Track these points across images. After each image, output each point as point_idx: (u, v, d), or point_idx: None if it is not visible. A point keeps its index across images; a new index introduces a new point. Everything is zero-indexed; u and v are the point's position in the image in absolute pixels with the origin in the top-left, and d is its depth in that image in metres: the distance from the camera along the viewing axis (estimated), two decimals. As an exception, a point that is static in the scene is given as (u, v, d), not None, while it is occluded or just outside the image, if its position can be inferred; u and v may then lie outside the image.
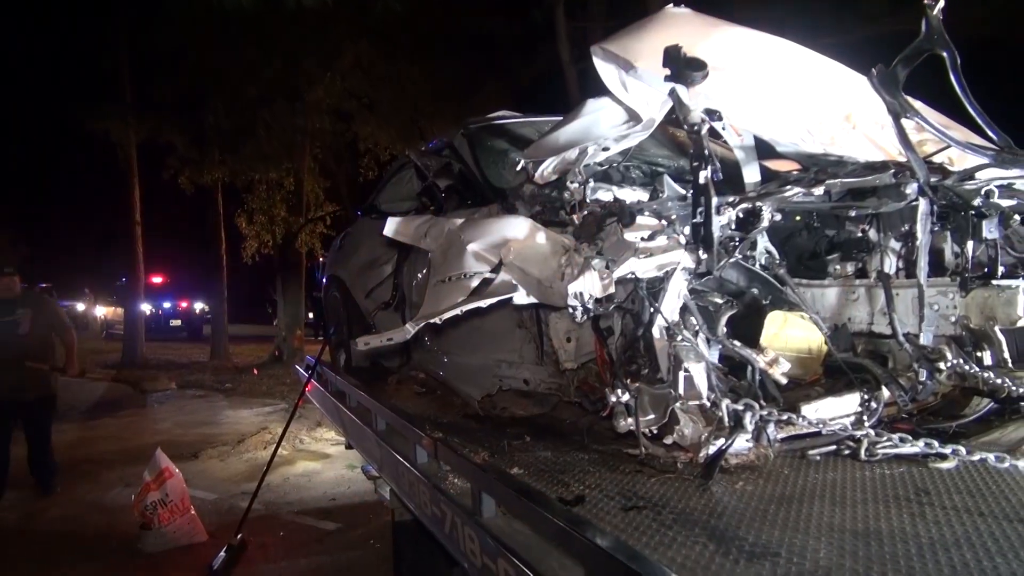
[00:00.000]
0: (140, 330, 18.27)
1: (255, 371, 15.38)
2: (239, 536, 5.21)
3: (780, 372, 2.30)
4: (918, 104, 2.41)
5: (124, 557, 5.34)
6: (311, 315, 19.39)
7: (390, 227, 3.15)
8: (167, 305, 28.02)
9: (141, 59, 15.61)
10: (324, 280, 5.70)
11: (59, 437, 9.19)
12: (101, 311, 29.34)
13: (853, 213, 2.59)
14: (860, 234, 2.75)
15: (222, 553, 4.94)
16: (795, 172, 2.81)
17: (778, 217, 2.56)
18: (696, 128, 2.14)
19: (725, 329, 2.41)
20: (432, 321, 2.46)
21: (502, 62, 14.43)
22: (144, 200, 17.13)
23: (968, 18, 8.45)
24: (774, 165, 3.18)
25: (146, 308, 21.91)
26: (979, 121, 2.18)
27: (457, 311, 2.32)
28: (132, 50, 15.91)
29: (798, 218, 2.90)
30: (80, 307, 29.74)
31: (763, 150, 2.88)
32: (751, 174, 2.88)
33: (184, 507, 5.54)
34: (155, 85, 14.78)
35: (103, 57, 16.15)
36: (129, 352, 17.49)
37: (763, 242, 2.61)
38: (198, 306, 27.81)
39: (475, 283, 2.42)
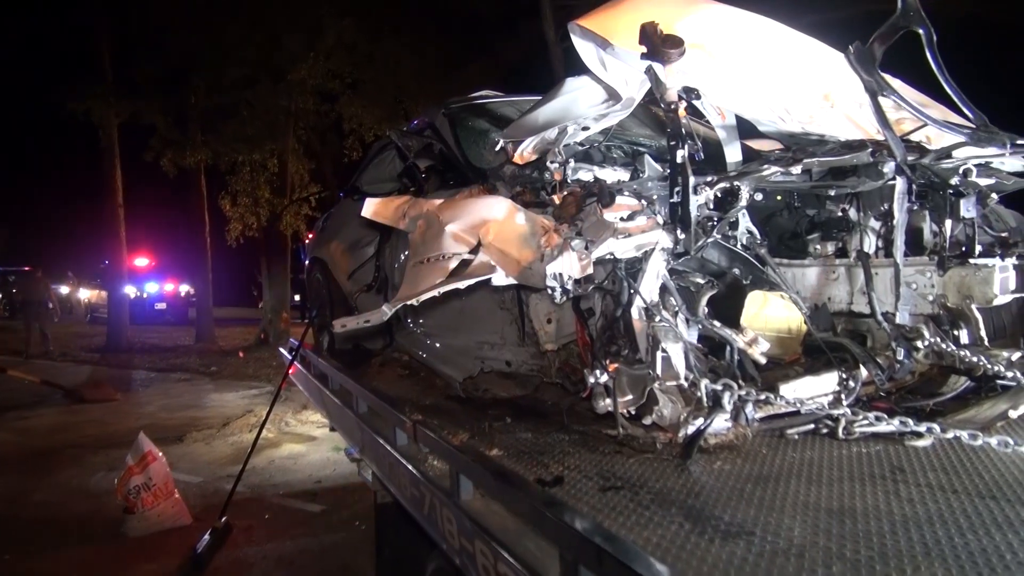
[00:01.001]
0: (124, 314, 18.10)
1: (241, 354, 15.30)
2: (224, 519, 5.19)
3: (760, 352, 2.30)
4: (896, 82, 2.40)
5: (108, 541, 5.30)
6: (296, 297, 19.28)
7: (368, 208, 3.12)
8: (152, 288, 27.77)
9: (122, 38, 15.36)
10: (307, 262, 5.65)
11: (42, 421, 9.18)
12: (85, 294, 29.06)
13: (833, 192, 2.59)
14: (840, 214, 2.76)
15: (206, 536, 4.92)
16: (776, 152, 2.80)
17: (759, 197, 2.57)
18: (673, 106, 2.12)
19: (706, 309, 2.41)
20: (411, 303, 2.44)
21: (487, 41, 14.32)
22: (127, 182, 16.91)
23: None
24: (756, 145, 3.17)
25: (130, 291, 21.73)
26: (955, 99, 2.17)
27: (435, 292, 2.30)
28: (113, 29, 15.63)
29: (779, 198, 2.89)
30: (64, 290, 29.46)
31: (746, 130, 2.87)
32: (733, 153, 2.87)
33: (168, 491, 5.52)
34: (136, 65, 14.55)
35: (84, 36, 15.85)
36: (114, 336, 17.32)
37: (744, 222, 2.61)
38: (183, 289, 27.56)
39: (453, 264, 2.40)
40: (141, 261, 27.35)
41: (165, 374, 13.38)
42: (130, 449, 5.65)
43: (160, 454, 5.60)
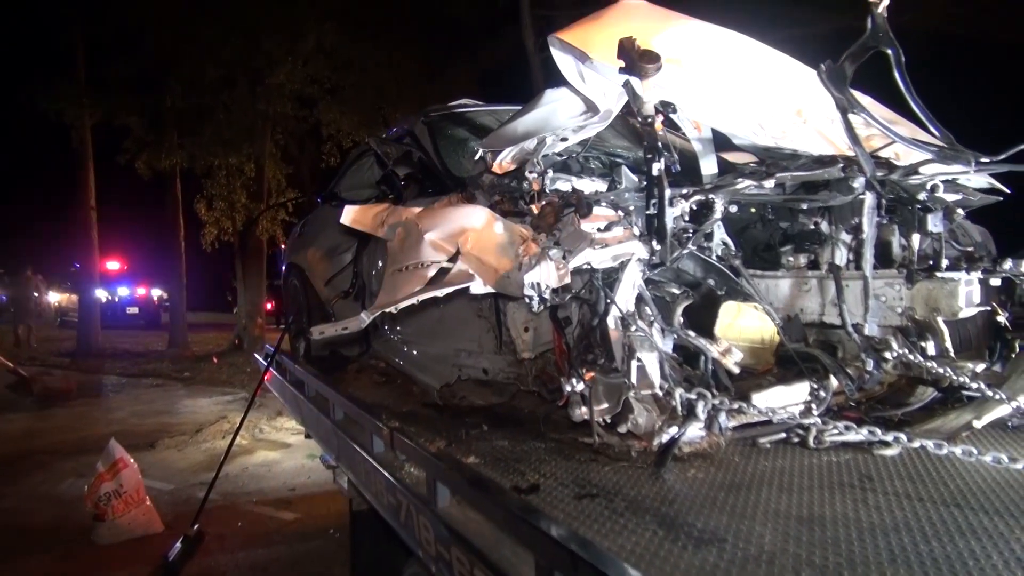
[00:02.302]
0: (95, 318, 17.84)
1: (215, 359, 15.14)
2: (196, 527, 5.13)
3: (733, 362, 2.34)
4: (867, 99, 2.46)
5: (77, 549, 5.23)
6: (269, 306, 19.13)
7: (347, 215, 3.12)
8: (124, 292, 27.38)
9: (96, 37, 15.16)
10: (283, 268, 5.63)
11: (10, 427, 9.02)
12: (55, 298, 28.58)
13: (805, 206, 2.64)
14: (812, 227, 2.81)
15: (178, 544, 4.86)
16: (751, 165, 2.85)
17: (733, 209, 2.61)
18: (650, 120, 2.16)
19: (681, 319, 2.45)
20: (388, 310, 2.45)
21: (468, 48, 14.37)
22: (99, 184, 16.69)
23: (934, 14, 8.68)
24: (732, 158, 3.23)
25: (102, 295, 21.42)
26: (922, 118, 2.23)
27: (413, 300, 2.31)
28: (87, 28, 15.43)
29: (753, 210, 2.94)
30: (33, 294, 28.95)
31: (724, 143, 2.91)
32: (708, 166, 2.91)
33: (139, 498, 5.45)
34: (110, 65, 14.36)
35: (56, 35, 15.64)
36: (84, 341, 17.05)
37: (720, 233, 2.65)
38: (156, 293, 27.24)
39: (432, 272, 2.41)
40: (113, 264, 26.99)
41: (137, 379, 13.22)
42: (100, 455, 5.58)
43: (131, 461, 5.54)
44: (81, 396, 11.37)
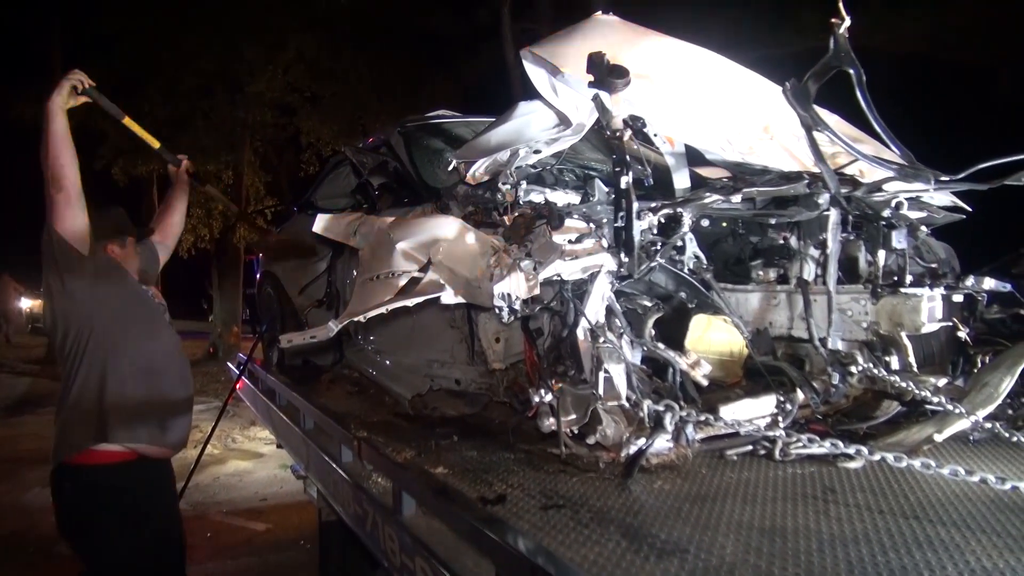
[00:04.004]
0: (67, 324, 17.55)
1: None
2: (164, 538, 5.05)
3: (701, 374, 2.36)
4: (833, 118, 2.51)
5: (43, 559, 5.13)
6: (247, 312, 18.99)
7: (319, 224, 3.11)
8: (98, 299, 26.96)
9: (74, 41, 15.01)
10: (258, 276, 5.58)
11: (-24, 435, 8.84)
12: (26, 304, 28.09)
13: (774, 221, 2.68)
14: (782, 241, 2.84)
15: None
16: (723, 180, 2.88)
17: (705, 223, 2.64)
18: (618, 133, 2.18)
19: (652, 331, 2.46)
20: (360, 319, 2.44)
21: (448, 60, 14.40)
22: (74, 190, 16.47)
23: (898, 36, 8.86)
24: (707, 173, 3.26)
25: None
26: (883, 136, 2.28)
27: (383, 310, 2.31)
28: (65, 32, 15.28)
29: (724, 224, 2.98)
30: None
31: (699, 158, 2.95)
32: (681, 180, 2.94)
33: (107, 508, 5.36)
34: (88, 71, 14.19)
35: (34, 38, 15.46)
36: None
37: (692, 247, 2.67)
38: (131, 300, 26.85)
39: (403, 282, 2.41)
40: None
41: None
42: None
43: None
44: (51, 404, 11.16)
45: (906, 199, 2.49)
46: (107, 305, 2.63)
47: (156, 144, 3.16)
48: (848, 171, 2.58)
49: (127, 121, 3.03)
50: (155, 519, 2.73)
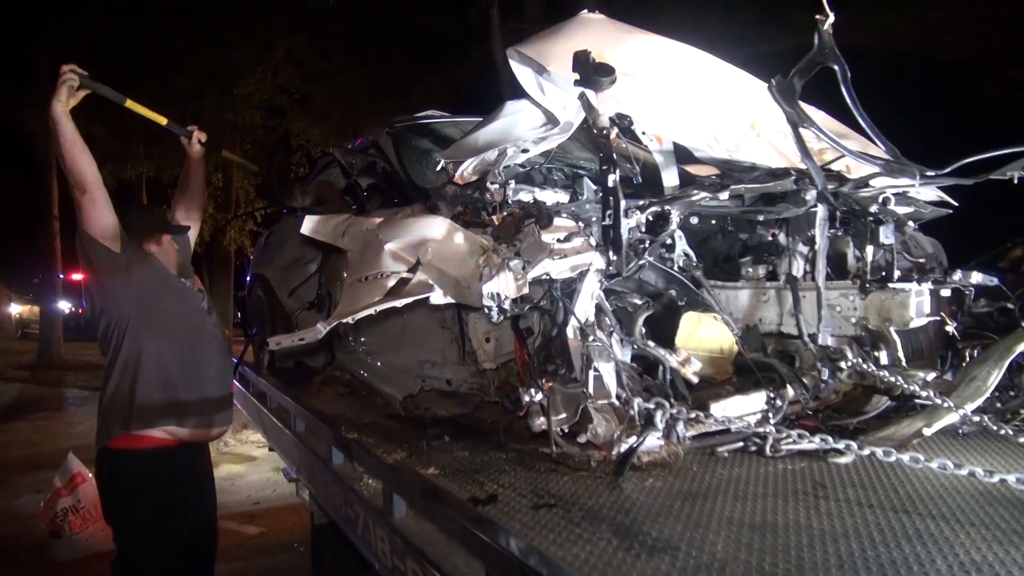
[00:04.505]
0: (57, 330, 17.48)
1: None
2: (156, 543, 5.03)
3: (692, 371, 2.37)
4: (820, 114, 2.52)
5: (34, 567, 5.11)
6: (239, 314, 18.92)
7: (307, 225, 3.10)
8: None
9: (62, 45, 14.91)
10: (248, 278, 5.56)
11: (-35, 442, 8.78)
12: (16, 309, 27.94)
13: (762, 218, 2.68)
14: (770, 238, 2.85)
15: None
16: (711, 177, 2.89)
17: (694, 221, 2.65)
18: (605, 132, 2.18)
19: (643, 329, 2.47)
20: (348, 320, 2.43)
21: (438, 61, 14.39)
22: (62, 193, 16.38)
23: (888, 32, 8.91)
24: (696, 171, 3.27)
25: (65, 306, 20.97)
26: (868, 132, 2.28)
27: (372, 311, 2.31)
28: (52, 36, 15.17)
29: (714, 222, 2.98)
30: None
31: (688, 156, 2.96)
32: (670, 178, 2.95)
33: (97, 513, 5.31)
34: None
35: (20, 42, 15.36)
36: (45, 353, 16.69)
37: (681, 244, 2.68)
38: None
39: (392, 283, 2.41)
40: (77, 275, 26.43)
41: (99, 393, 12.91)
42: (58, 471, 5.44)
43: (90, 475, 5.41)
44: (41, 410, 11.12)
45: (893, 194, 2.50)
46: (142, 297, 2.74)
47: (163, 120, 3.18)
48: (835, 167, 2.60)
49: (130, 103, 3.03)
50: (188, 506, 2.85)
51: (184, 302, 2.94)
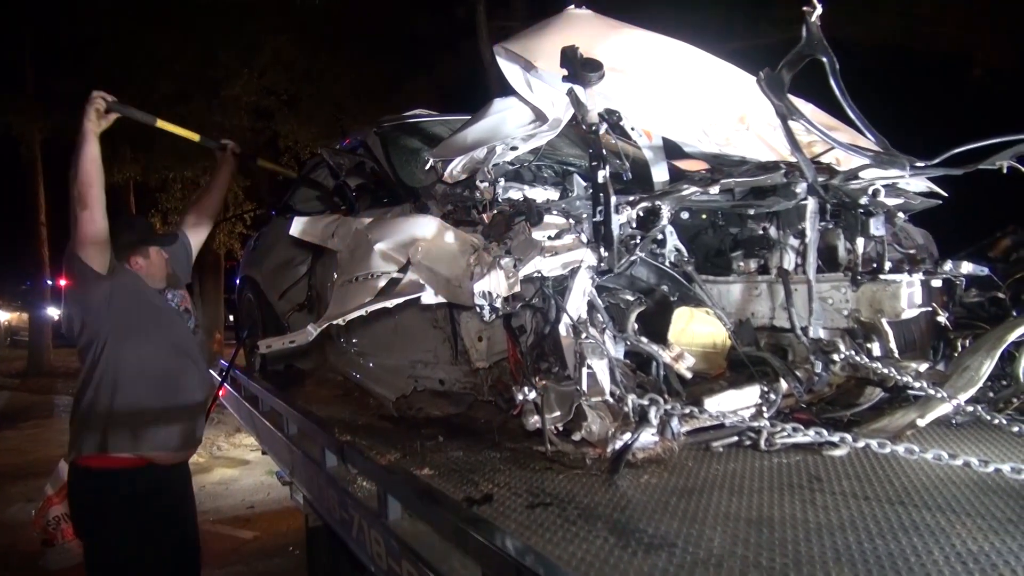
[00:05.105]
0: (47, 337, 17.36)
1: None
2: (150, 549, 4.99)
3: (685, 367, 2.36)
4: (809, 107, 2.51)
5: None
6: (231, 317, 18.84)
7: (296, 227, 3.08)
8: (77, 310, 26.60)
9: (47, 50, 14.81)
10: (238, 281, 5.52)
11: (-46, 452, 8.70)
12: (4, 316, 27.76)
13: (752, 212, 2.68)
14: (761, 232, 2.85)
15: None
16: (701, 172, 2.88)
17: (685, 216, 2.64)
18: (594, 128, 2.17)
19: (635, 325, 2.46)
20: (340, 322, 2.42)
21: (425, 60, 14.35)
22: (50, 199, 16.27)
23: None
24: (686, 165, 3.26)
25: (54, 313, 20.83)
26: (858, 123, 2.28)
27: (363, 312, 2.29)
28: (37, 41, 15.07)
29: (704, 217, 2.98)
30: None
31: (678, 151, 2.95)
32: (659, 173, 2.94)
33: (91, 521, 5.28)
34: (60, 78, 14.03)
35: (4, 47, 15.24)
36: (34, 360, 16.59)
37: (672, 240, 2.67)
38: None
39: (382, 283, 2.39)
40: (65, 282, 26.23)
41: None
42: (49, 478, 5.39)
43: (82, 483, 5.36)
44: (31, 417, 11.04)
45: (882, 186, 2.50)
46: (120, 319, 2.74)
47: (196, 137, 3.28)
48: (824, 159, 2.59)
49: (160, 123, 3.12)
50: (162, 526, 2.83)
51: (166, 322, 2.95)
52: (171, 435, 2.84)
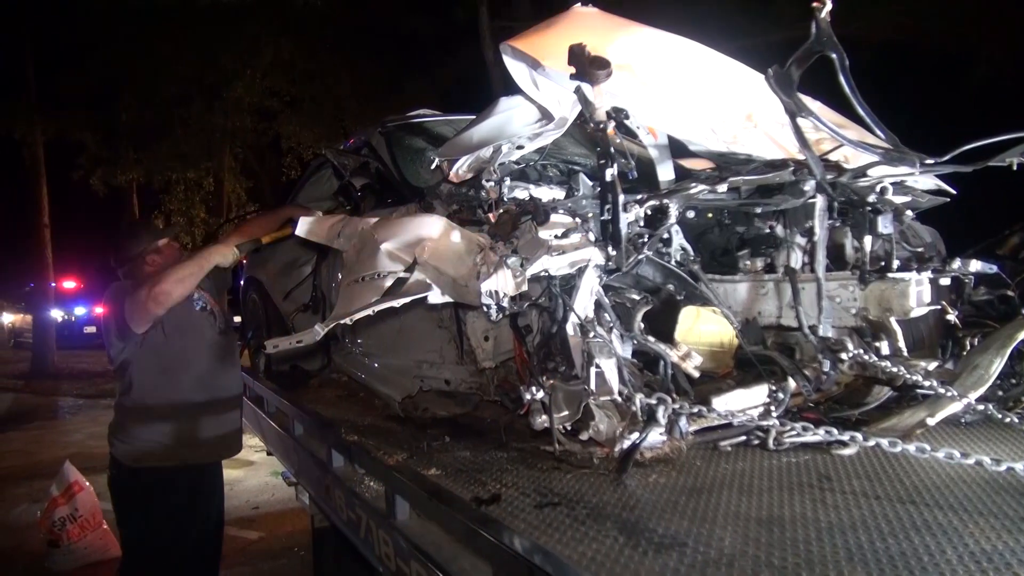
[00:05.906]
0: (50, 338, 17.40)
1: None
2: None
3: (693, 366, 2.35)
4: (816, 104, 2.50)
5: (32, 577, 5.07)
6: (237, 319, 18.85)
7: (302, 227, 3.07)
8: (81, 311, 26.67)
9: (48, 52, 14.85)
10: (242, 282, 5.52)
11: (-41, 453, 8.71)
12: (8, 318, 27.82)
13: (759, 210, 2.67)
14: (768, 230, 2.83)
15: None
16: (707, 170, 2.87)
17: (691, 214, 2.63)
18: (602, 126, 2.16)
19: (642, 324, 2.45)
20: (346, 322, 2.41)
21: (428, 60, 14.36)
22: (53, 201, 16.30)
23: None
24: (690, 164, 3.25)
25: (57, 315, 20.88)
26: (867, 120, 2.27)
27: (369, 311, 2.28)
28: (38, 43, 15.10)
29: (710, 215, 2.96)
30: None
31: (683, 149, 2.94)
32: (665, 172, 2.93)
33: (96, 522, 5.29)
34: (62, 81, 14.07)
35: (6, 50, 15.27)
36: (39, 361, 16.62)
37: (678, 239, 2.66)
38: (115, 311, 26.56)
39: (388, 283, 2.38)
40: (70, 283, 26.33)
41: (94, 400, 12.86)
42: (54, 480, 5.40)
43: (87, 483, 5.38)
44: (36, 419, 11.05)
45: (891, 183, 2.48)
46: (151, 350, 2.95)
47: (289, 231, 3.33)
48: (833, 157, 2.57)
49: (266, 238, 3.34)
50: (194, 518, 3.05)
51: (193, 342, 3.10)
52: (210, 441, 3.06)
